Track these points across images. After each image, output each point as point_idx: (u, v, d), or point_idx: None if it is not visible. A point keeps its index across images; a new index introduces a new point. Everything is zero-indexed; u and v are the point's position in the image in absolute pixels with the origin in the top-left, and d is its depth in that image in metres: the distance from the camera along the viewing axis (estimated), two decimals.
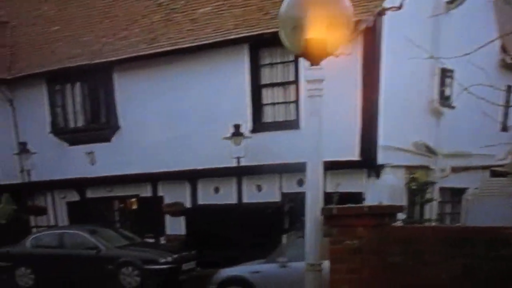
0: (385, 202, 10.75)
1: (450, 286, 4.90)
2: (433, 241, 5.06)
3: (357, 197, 12.81)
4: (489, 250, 4.77)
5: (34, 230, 17.61)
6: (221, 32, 14.44)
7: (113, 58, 15.67)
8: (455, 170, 14.76)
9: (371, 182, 13.54)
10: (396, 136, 13.37)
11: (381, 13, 11.71)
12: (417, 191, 13.85)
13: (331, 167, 8.63)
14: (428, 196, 14.12)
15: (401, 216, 9.32)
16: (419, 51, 8.65)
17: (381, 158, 13.31)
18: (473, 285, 4.81)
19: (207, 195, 15.54)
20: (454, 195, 16.04)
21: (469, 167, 15.04)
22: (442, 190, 15.31)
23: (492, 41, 10.34)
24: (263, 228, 14.12)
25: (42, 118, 17.09)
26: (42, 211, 17.92)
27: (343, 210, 5.42)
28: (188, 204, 15.87)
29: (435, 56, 10.16)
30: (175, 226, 16.07)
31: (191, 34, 14.89)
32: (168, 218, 16.11)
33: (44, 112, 17.11)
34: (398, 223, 6.34)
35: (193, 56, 14.79)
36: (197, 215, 15.63)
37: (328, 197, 8.87)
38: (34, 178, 17.18)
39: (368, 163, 13.33)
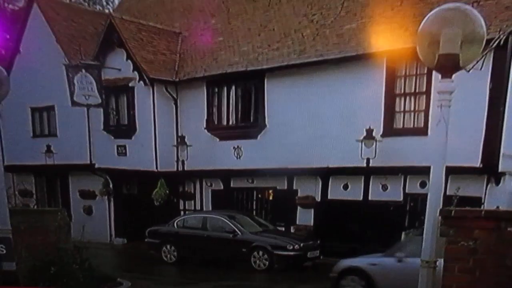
0: (503, 207, 11.04)
1: None
2: None
3: (475, 201, 12.88)
4: None
5: (182, 212, 18.99)
6: (363, 45, 14.98)
7: (266, 66, 16.84)
8: None
9: (490, 188, 13.68)
10: None
11: None
12: None
13: (453, 171, 9.30)
14: None
15: None
16: None
17: (502, 166, 13.45)
18: None
19: (336, 191, 16.25)
20: None
21: None
22: None
23: None
24: (384, 224, 14.69)
25: (200, 115, 18.50)
26: (190, 197, 19.43)
27: (461, 212, 5.36)
28: (318, 198, 16.64)
29: None
30: (305, 217, 16.91)
31: (337, 47, 15.55)
32: (299, 210, 17.04)
33: (202, 111, 18.48)
34: None
35: (336, 66, 15.47)
36: (325, 209, 16.42)
37: (448, 200, 9.18)
38: (187, 167, 18.63)
39: (489, 170, 13.51)
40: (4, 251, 5.95)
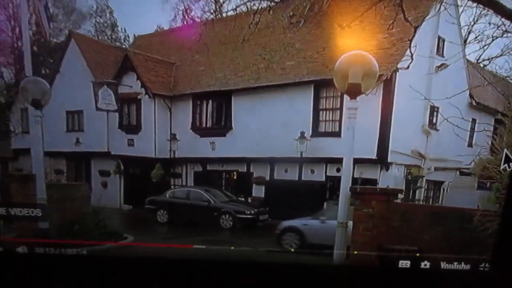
0: (391, 186, 11.19)
1: (430, 245, 4.97)
2: (421, 214, 5.28)
3: (373, 182, 13.08)
4: (458, 223, 4.92)
5: (172, 187, 18.36)
6: (298, 76, 15.03)
7: (233, 88, 16.63)
8: (436, 169, 14.72)
9: (382, 173, 13.73)
10: (400, 144, 13.64)
11: (396, 70, 11.95)
12: (411, 181, 13.91)
13: (358, 161, 9.38)
14: (418, 184, 14.11)
15: (400, 196, 8.97)
16: (418, 94, 9.32)
17: (390, 158, 13.59)
18: (446, 247, 4.87)
19: (280, 173, 16.07)
20: (436, 185, 15.68)
21: (446, 168, 14.86)
22: (428, 181, 15.21)
23: (464, 91, 11.33)
24: (312, 197, 14.69)
25: (187, 120, 18.07)
26: (179, 176, 18.85)
27: (363, 189, 5.79)
28: (267, 178, 16.49)
29: (427, 97, 10.82)
30: (258, 191, 16.65)
31: (281, 77, 15.52)
32: (254, 186, 16.78)
33: (188, 117, 18.06)
34: (398, 201, 6.33)
35: (281, 90, 15.33)
36: (272, 185, 16.23)
37: (355, 180, 9.08)
38: (177, 155, 18.22)
39: (381, 160, 13.55)
40: (41, 214, 5.70)
